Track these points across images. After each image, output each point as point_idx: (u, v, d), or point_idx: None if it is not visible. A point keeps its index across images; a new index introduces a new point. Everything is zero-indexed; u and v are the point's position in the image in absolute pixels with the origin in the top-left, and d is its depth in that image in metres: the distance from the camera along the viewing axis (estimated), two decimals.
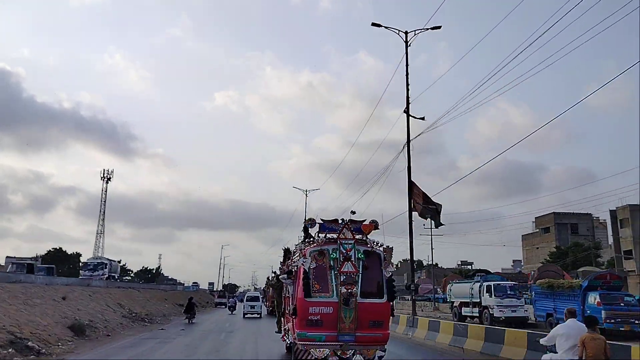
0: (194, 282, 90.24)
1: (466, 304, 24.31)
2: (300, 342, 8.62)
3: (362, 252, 8.84)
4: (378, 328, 8.63)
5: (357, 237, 9.01)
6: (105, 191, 72.68)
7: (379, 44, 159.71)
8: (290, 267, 10.25)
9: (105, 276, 40.61)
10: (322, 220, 9.36)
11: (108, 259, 47.00)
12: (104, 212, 73.92)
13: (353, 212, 9.20)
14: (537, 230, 65.46)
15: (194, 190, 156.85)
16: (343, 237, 8.90)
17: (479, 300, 22.91)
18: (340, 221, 9.19)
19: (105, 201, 73.13)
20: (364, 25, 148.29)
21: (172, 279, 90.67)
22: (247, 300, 30.97)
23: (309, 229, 9.37)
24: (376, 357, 8.63)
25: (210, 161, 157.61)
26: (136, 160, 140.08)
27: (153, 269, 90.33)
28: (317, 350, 8.50)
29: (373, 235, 9.23)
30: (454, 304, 25.77)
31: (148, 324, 22.08)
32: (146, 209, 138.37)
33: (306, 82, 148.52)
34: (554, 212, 61.97)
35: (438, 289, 53.77)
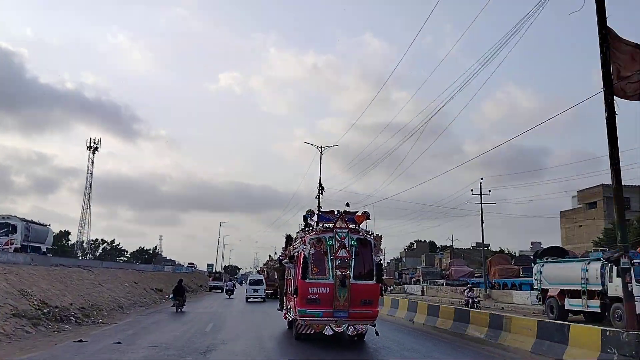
0: (189, 263, 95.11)
1: (574, 294, 19.52)
2: (301, 318, 11.57)
3: (355, 239, 11.65)
4: (368, 306, 11.54)
5: (350, 226, 11.81)
6: (92, 162, 76.09)
7: (385, 26, 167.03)
8: (292, 253, 13.18)
9: (14, 246, 31.45)
10: (320, 211, 12.19)
11: (24, 220, 35.03)
12: (91, 184, 77.30)
13: (347, 205, 11.99)
14: (580, 205, 64.92)
15: (197, 172, 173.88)
16: (338, 226, 11.72)
17: (601, 289, 18.03)
18: (336, 212, 12.01)
19: (92, 173, 76.74)
20: (370, 6, 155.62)
21: (170, 260, 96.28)
22: (250, 284, 33.44)
23: (308, 218, 12.21)
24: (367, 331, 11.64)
25: (213, 143, 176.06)
26: (139, 142, 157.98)
27: (150, 250, 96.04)
28: (316, 324, 11.48)
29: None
30: (549, 294, 20.92)
31: (73, 326, 15.00)
32: (149, 191, 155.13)
33: (311, 63, 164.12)
34: (602, 185, 60.82)
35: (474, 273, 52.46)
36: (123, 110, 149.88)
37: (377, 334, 11.89)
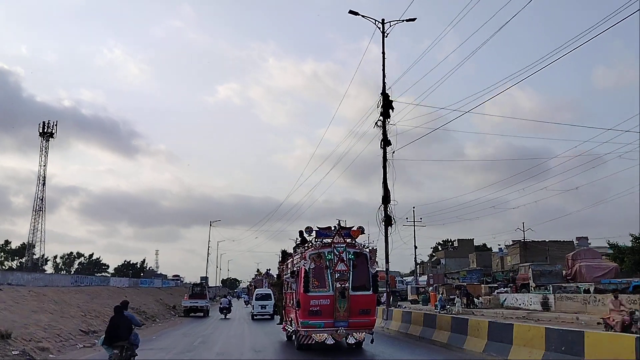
0: (174, 275, 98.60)
1: None
2: (304, 329, 15.31)
3: (352, 253, 15.37)
4: (366, 315, 15.27)
5: (347, 241, 15.53)
6: (47, 151, 73.05)
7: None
8: (292, 268, 16.98)
9: None
10: (318, 227, 15.97)
11: None
12: (44, 181, 75.75)
13: (339, 222, 15.74)
14: None
15: (197, 186, 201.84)
16: (336, 241, 15.45)
17: None
18: (333, 228, 15.75)
19: (46, 165, 74.51)
20: (367, 11, 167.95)
21: (161, 275, 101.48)
22: (256, 299, 36.14)
23: (306, 234, 16.01)
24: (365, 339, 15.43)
25: (213, 155, 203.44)
26: (139, 158, 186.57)
27: (137, 264, 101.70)
28: (318, 335, 15.25)
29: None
30: None
31: None
32: (150, 206, 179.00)
33: (310, 71, 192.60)
34: None
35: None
36: (121, 126, 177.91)
37: (372, 341, 15.64)
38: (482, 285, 51.74)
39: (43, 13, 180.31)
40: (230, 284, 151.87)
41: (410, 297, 54.09)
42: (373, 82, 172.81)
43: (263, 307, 34.88)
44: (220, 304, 40.86)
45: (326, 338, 15.19)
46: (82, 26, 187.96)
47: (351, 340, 15.38)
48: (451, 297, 40.33)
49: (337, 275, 15.17)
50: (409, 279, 80.00)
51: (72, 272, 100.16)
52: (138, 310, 33.04)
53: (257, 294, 37.52)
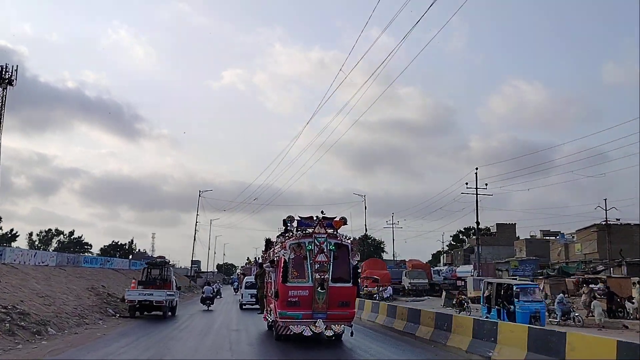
0: (159, 256, 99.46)
1: None
2: (282, 320, 16.74)
3: (333, 244, 16.76)
4: (346, 307, 16.70)
5: (329, 231, 16.90)
6: (3, 100, 67.75)
7: (392, 19, 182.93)
8: (272, 257, 18.41)
9: None
10: (299, 217, 17.37)
11: None
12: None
13: (323, 212, 17.15)
14: None
15: (199, 171, 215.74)
16: (317, 231, 16.81)
17: None
18: (315, 218, 17.12)
19: (2, 115, 70.89)
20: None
21: (149, 256, 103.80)
22: (246, 288, 37.51)
23: (288, 224, 17.42)
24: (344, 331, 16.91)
25: (216, 141, 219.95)
26: (141, 142, 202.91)
27: (125, 245, 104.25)
28: (295, 326, 16.68)
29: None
30: None
31: None
32: (151, 191, 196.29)
33: (316, 59, 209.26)
34: None
35: None
36: (125, 109, 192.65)
37: (351, 334, 17.11)
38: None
39: None
40: (226, 270, 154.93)
41: (472, 294, 41.54)
42: (380, 71, 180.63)
43: (252, 295, 35.26)
44: (203, 292, 38.38)
45: (304, 329, 16.65)
46: (87, 6, 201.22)
47: (329, 333, 16.83)
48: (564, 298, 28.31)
49: (316, 266, 16.57)
50: (443, 268, 76.74)
51: (51, 251, 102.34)
52: (11, 310, 20.07)
53: (246, 283, 38.79)
